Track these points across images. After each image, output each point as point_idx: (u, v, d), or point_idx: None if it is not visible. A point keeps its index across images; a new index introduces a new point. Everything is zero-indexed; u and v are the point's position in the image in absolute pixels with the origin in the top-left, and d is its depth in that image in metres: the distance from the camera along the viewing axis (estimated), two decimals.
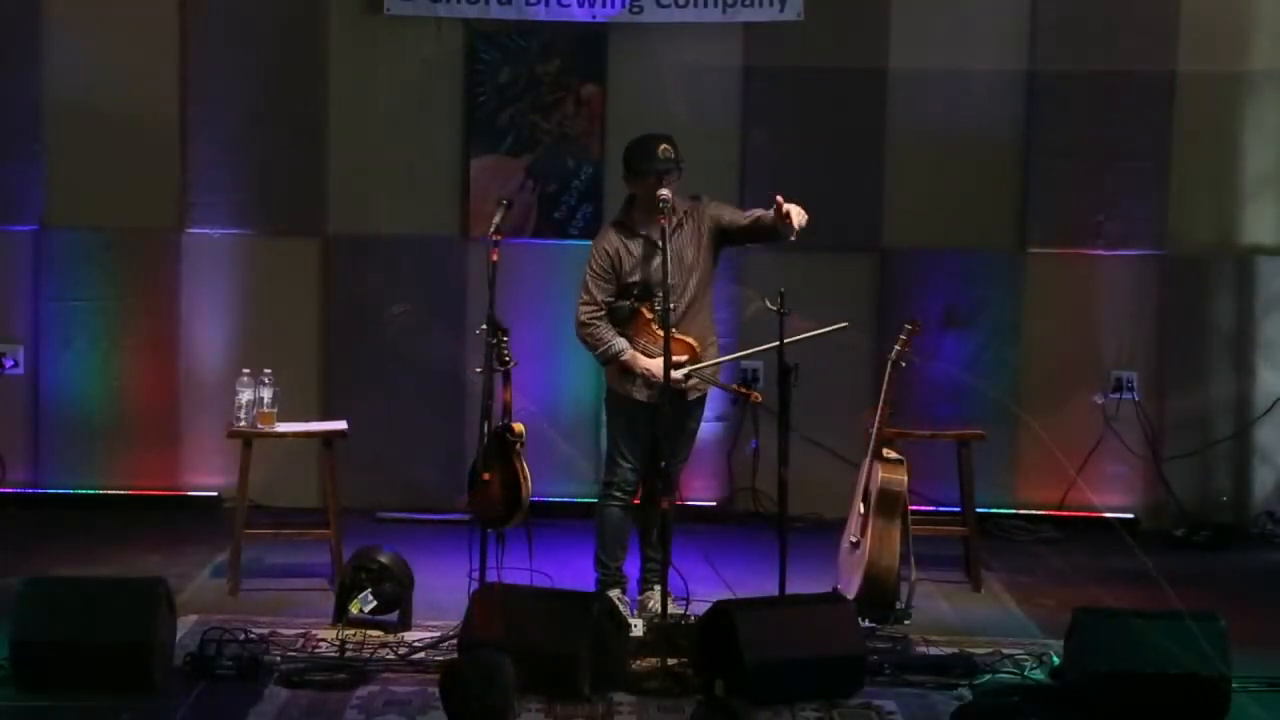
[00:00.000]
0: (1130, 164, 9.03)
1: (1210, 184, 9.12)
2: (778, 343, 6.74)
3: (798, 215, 6.81)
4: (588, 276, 7.06)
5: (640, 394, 7.02)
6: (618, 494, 7.16)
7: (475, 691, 4.54)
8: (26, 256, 9.03)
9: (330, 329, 9.10)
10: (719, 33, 8.95)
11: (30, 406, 9.05)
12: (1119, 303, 9.13)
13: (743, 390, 7.21)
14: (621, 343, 7.00)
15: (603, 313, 7.02)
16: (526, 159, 9.04)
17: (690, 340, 6.95)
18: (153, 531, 8.49)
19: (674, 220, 6.89)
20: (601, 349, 7.02)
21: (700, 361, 6.97)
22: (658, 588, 6.81)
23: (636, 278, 7.00)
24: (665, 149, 6.94)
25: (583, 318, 7.04)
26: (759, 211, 7.10)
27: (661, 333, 6.83)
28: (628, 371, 7.02)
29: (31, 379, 9.05)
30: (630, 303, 7.00)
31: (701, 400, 7.25)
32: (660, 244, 6.85)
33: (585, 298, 7.05)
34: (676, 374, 6.78)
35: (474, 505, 7.10)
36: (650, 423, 7.04)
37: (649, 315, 6.98)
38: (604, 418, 7.32)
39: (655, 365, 6.87)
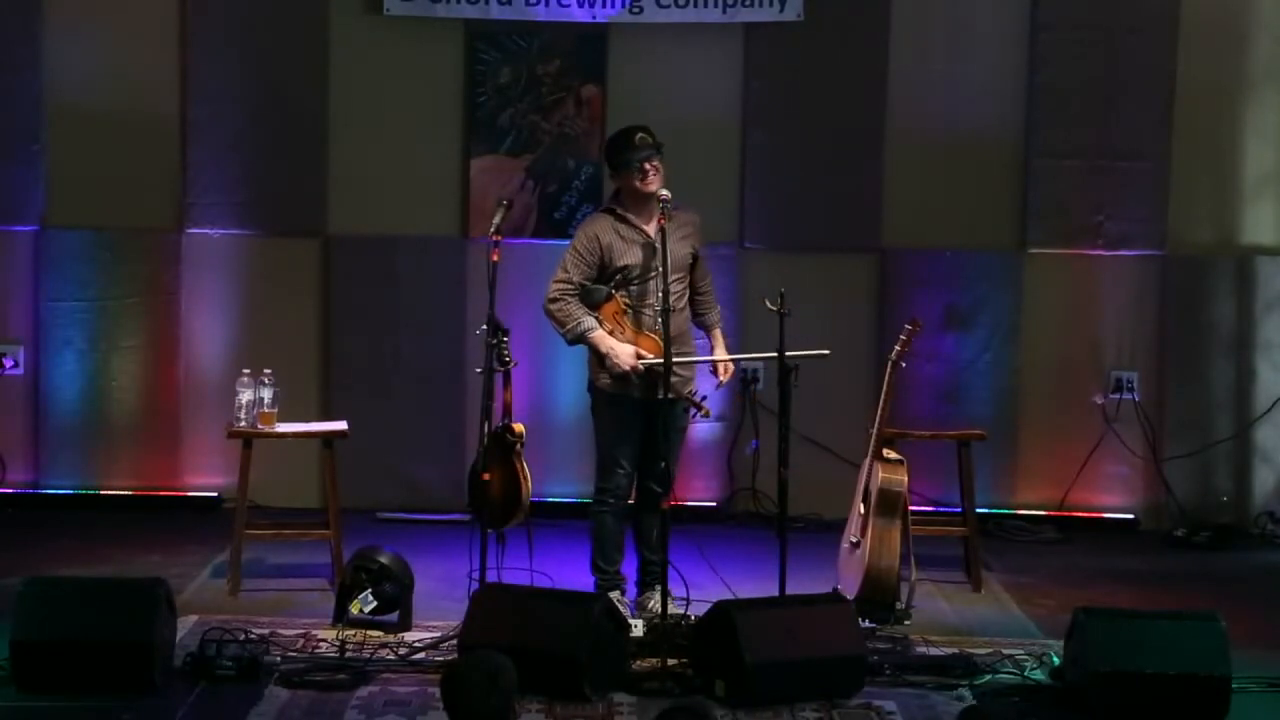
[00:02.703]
0: (1130, 164, 9.03)
1: (1210, 184, 9.12)
2: (739, 357, 7.11)
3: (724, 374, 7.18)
4: (569, 256, 7.04)
5: (632, 391, 6.97)
6: (611, 500, 7.13)
7: (477, 693, 4.53)
8: (26, 256, 9.02)
9: (330, 329, 9.09)
10: (719, 33, 8.95)
11: (30, 406, 9.05)
12: (1119, 303, 9.13)
13: (697, 404, 7.13)
14: (591, 321, 6.97)
15: (576, 291, 7.01)
16: (527, 159, 9.04)
17: (655, 338, 6.92)
18: (153, 531, 8.48)
19: (667, 218, 6.88)
20: (570, 325, 6.98)
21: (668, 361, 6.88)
22: (658, 588, 6.80)
23: (625, 262, 7.00)
24: (642, 136, 7.00)
25: (553, 293, 7.02)
26: (703, 302, 7.29)
27: (630, 324, 6.94)
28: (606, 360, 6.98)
29: (31, 379, 9.04)
30: (609, 287, 7.01)
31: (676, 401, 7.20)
32: (653, 239, 6.94)
33: (561, 275, 7.03)
34: (639, 364, 6.86)
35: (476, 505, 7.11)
36: (642, 421, 7.03)
37: (624, 304, 6.99)
38: (595, 422, 7.21)
39: (622, 350, 6.87)
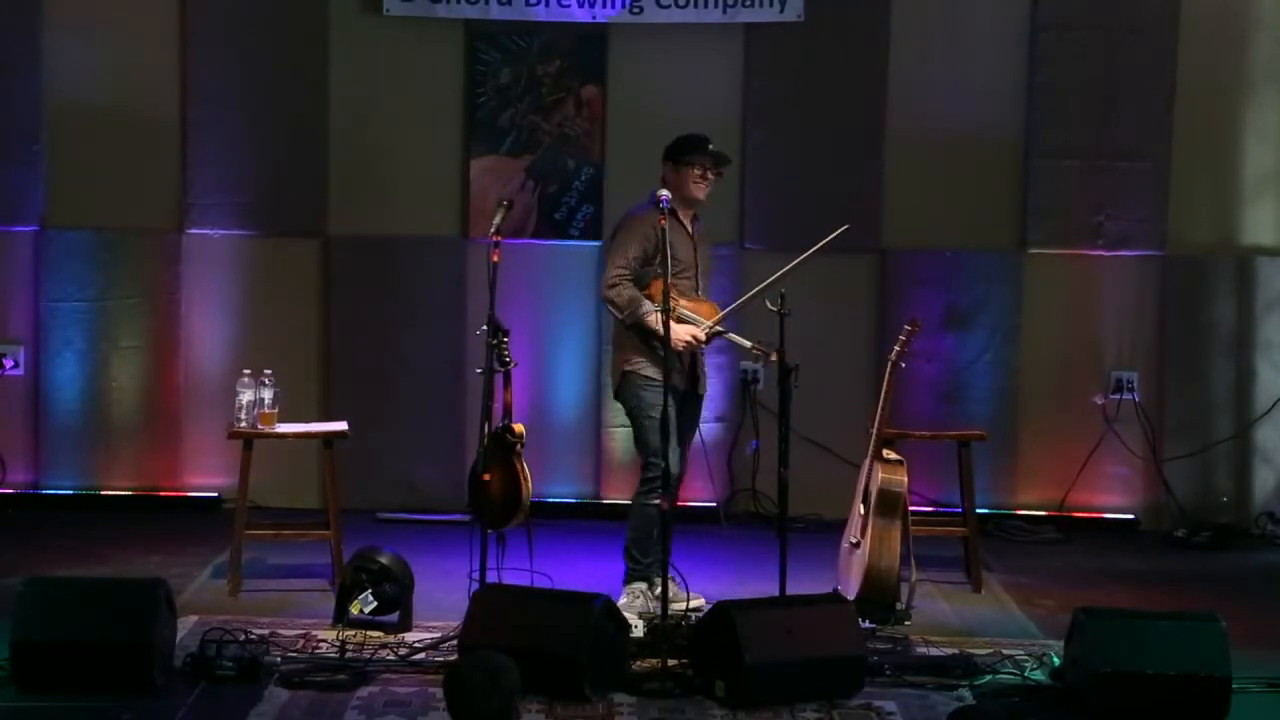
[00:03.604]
0: (1130, 164, 9.03)
1: (1210, 184, 9.13)
2: (780, 274, 6.98)
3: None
4: (626, 240, 7.12)
5: (674, 379, 6.97)
6: (661, 491, 6.97)
7: (479, 693, 4.53)
8: (26, 256, 9.03)
9: (330, 329, 9.09)
10: (719, 33, 8.95)
11: (30, 406, 9.05)
12: (1119, 303, 9.13)
13: (762, 349, 7.11)
14: (648, 304, 7.03)
15: (631, 275, 7.08)
16: (527, 160, 9.04)
17: (713, 303, 7.15)
18: (153, 531, 8.48)
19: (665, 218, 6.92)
20: (628, 309, 7.04)
21: (720, 325, 7.10)
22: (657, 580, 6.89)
23: (677, 255, 7.05)
24: (714, 147, 7.22)
25: (611, 279, 7.09)
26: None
27: (681, 298, 7.01)
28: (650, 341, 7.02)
29: (31, 379, 9.04)
30: (655, 267, 7.05)
31: (702, 398, 7.34)
32: (693, 238, 7.10)
33: (619, 260, 7.12)
34: (701, 332, 7.00)
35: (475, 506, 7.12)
36: (676, 408, 7.03)
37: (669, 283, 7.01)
38: (637, 410, 7.16)
39: (679, 329, 6.94)
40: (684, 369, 7.14)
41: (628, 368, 7.18)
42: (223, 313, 9.07)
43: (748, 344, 7.15)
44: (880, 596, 7.12)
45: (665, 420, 6.68)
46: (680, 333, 6.98)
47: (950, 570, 7.93)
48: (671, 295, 6.94)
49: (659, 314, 6.87)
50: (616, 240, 7.21)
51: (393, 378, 9.03)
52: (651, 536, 7.14)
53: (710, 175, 7.19)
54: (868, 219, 9.04)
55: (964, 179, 9.07)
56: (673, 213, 7.08)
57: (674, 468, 6.99)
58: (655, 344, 7.00)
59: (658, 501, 6.99)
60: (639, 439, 7.23)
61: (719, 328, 7.11)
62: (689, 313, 7.07)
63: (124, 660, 6.05)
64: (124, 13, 8.98)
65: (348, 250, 9.07)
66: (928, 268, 9.10)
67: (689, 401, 7.21)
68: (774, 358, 7.15)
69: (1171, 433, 9.11)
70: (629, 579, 7.20)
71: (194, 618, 6.91)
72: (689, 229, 7.21)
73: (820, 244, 7.09)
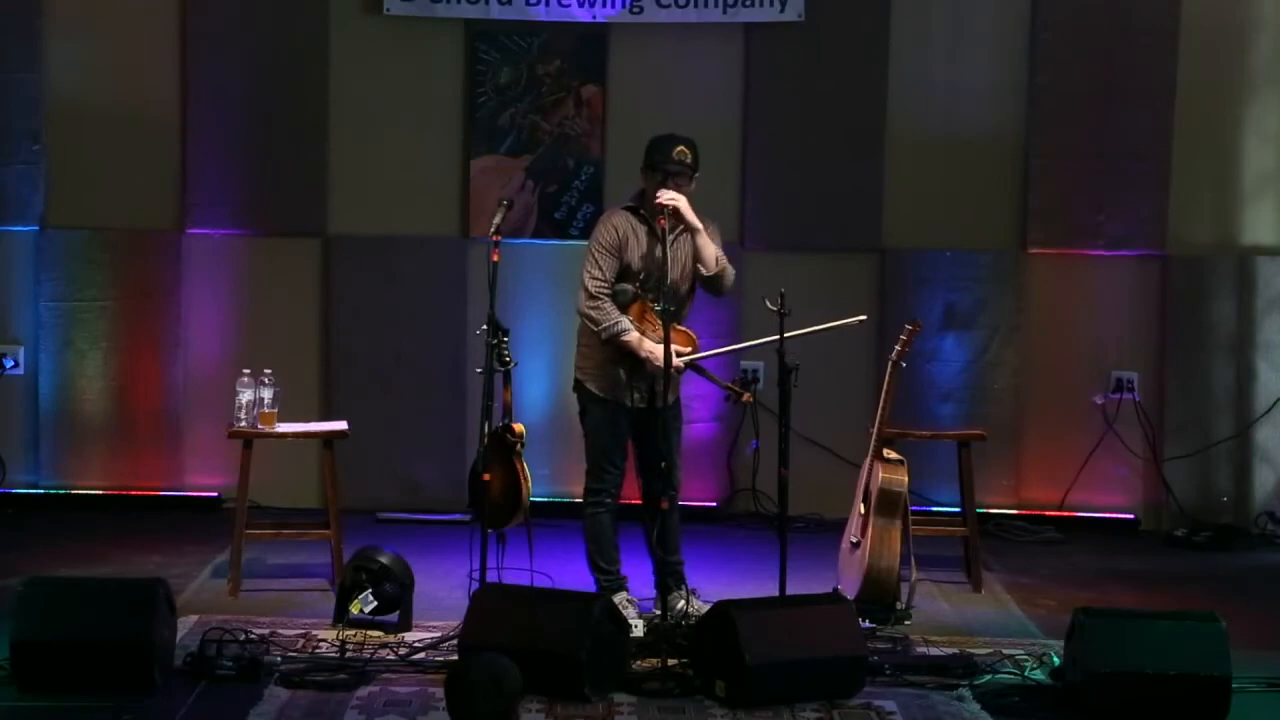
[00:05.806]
0: (1130, 164, 9.03)
1: (1210, 184, 9.13)
2: (778, 338, 6.72)
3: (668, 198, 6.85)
4: (595, 251, 6.97)
5: (625, 399, 6.97)
6: (607, 500, 7.08)
7: (479, 694, 4.53)
8: (26, 256, 9.03)
9: (330, 329, 9.09)
10: (719, 33, 8.95)
11: (30, 406, 9.05)
12: (1119, 303, 9.13)
13: (736, 389, 7.16)
14: (626, 323, 6.91)
15: (609, 290, 6.95)
16: (527, 159, 9.04)
17: (690, 332, 6.97)
18: (153, 531, 8.48)
19: (674, 225, 6.87)
20: (606, 324, 6.90)
21: (698, 352, 6.99)
22: (684, 588, 6.93)
23: (638, 265, 6.97)
24: (681, 151, 6.91)
25: (591, 289, 6.93)
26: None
27: (659, 322, 6.82)
28: (626, 361, 6.93)
29: (31, 379, 9.05)
30: (634, 287, 6.97)
31: (676, 404, 7.13)
32: (662, 240, 6.84)
33: (594, 272, 6.95)
34: (677, 361, 6.78)
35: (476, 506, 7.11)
36: (632, 423, 7.02)
37: (650, 303, 6.96)
38: (582, 422, 7.15)
39: (656, 350, 6.78)
40: (643, 388, 6.95)
41: (580, 376, 7.10)
42: (223, 313, 9.07)
43: (722, 383, 7.12)
44: (880, 596, 7.12)
45: (611, 437, 6.86)
46: (658, 354, 6.77)
47: (950, 570, 7.93)
48: (647, 323, 6.91)
49: (637, 336, 6.85)
50: (588, 248, 7.03)
51: (393, 378, 9.03)
52: (608, 542, 7.12)
53: (677, 184, 6.88)
54: (868, 219, 9.05)
55: (964, 179, 9.07)
56: (643, 219, 7.00)
57: (619, 479, 7.04)
58: (612, 362, 6.94)
59: (603, 509, 7.07)
60: (585, 449, 7.16)
61: (693, 361, 6.95)
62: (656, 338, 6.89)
63: (124, 660, 6.05)
64: (124, 13, 8.98)
65: (348, 250, 9.07)
66: (928, 268, 9.10)
67: (651, 415, 6.91)
68: (747, 398, 7.15)
69: (1171, 433, 9.11)
70: (603, 591, 7.00)
71: (194, 618, 6.91)
72: (662, 236, 6.85)
73: (823, 326, 6.97)
